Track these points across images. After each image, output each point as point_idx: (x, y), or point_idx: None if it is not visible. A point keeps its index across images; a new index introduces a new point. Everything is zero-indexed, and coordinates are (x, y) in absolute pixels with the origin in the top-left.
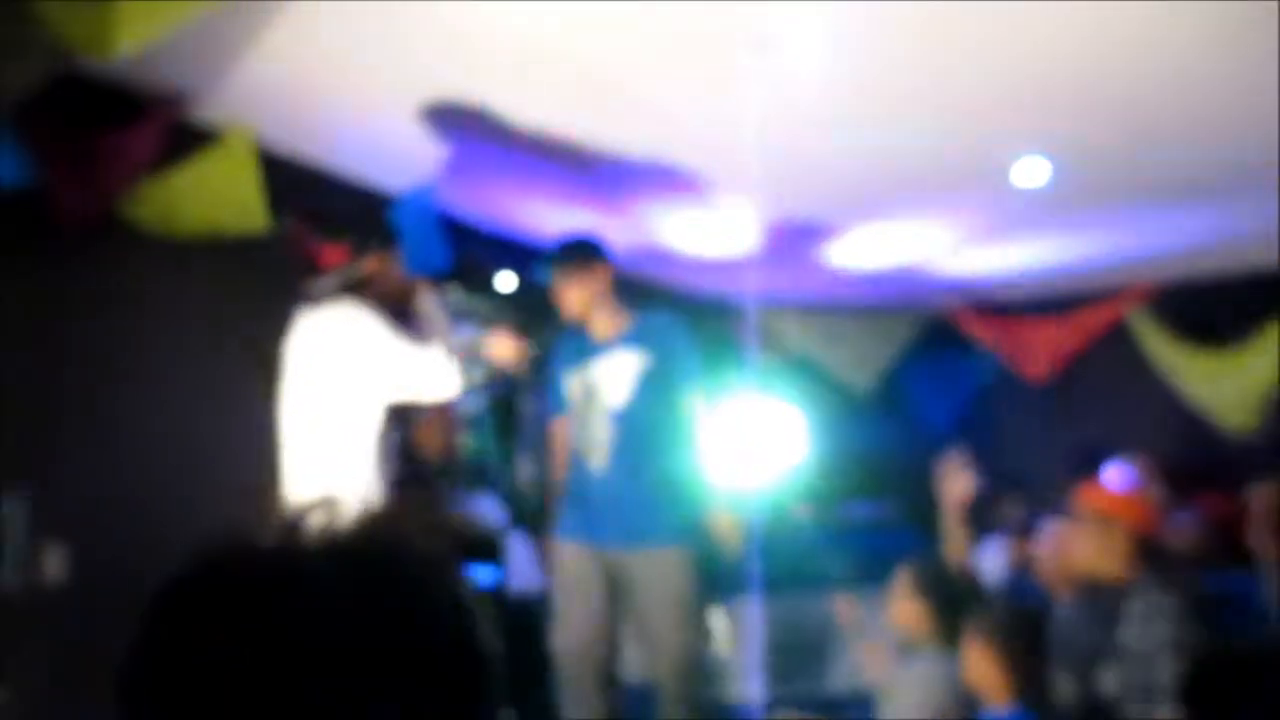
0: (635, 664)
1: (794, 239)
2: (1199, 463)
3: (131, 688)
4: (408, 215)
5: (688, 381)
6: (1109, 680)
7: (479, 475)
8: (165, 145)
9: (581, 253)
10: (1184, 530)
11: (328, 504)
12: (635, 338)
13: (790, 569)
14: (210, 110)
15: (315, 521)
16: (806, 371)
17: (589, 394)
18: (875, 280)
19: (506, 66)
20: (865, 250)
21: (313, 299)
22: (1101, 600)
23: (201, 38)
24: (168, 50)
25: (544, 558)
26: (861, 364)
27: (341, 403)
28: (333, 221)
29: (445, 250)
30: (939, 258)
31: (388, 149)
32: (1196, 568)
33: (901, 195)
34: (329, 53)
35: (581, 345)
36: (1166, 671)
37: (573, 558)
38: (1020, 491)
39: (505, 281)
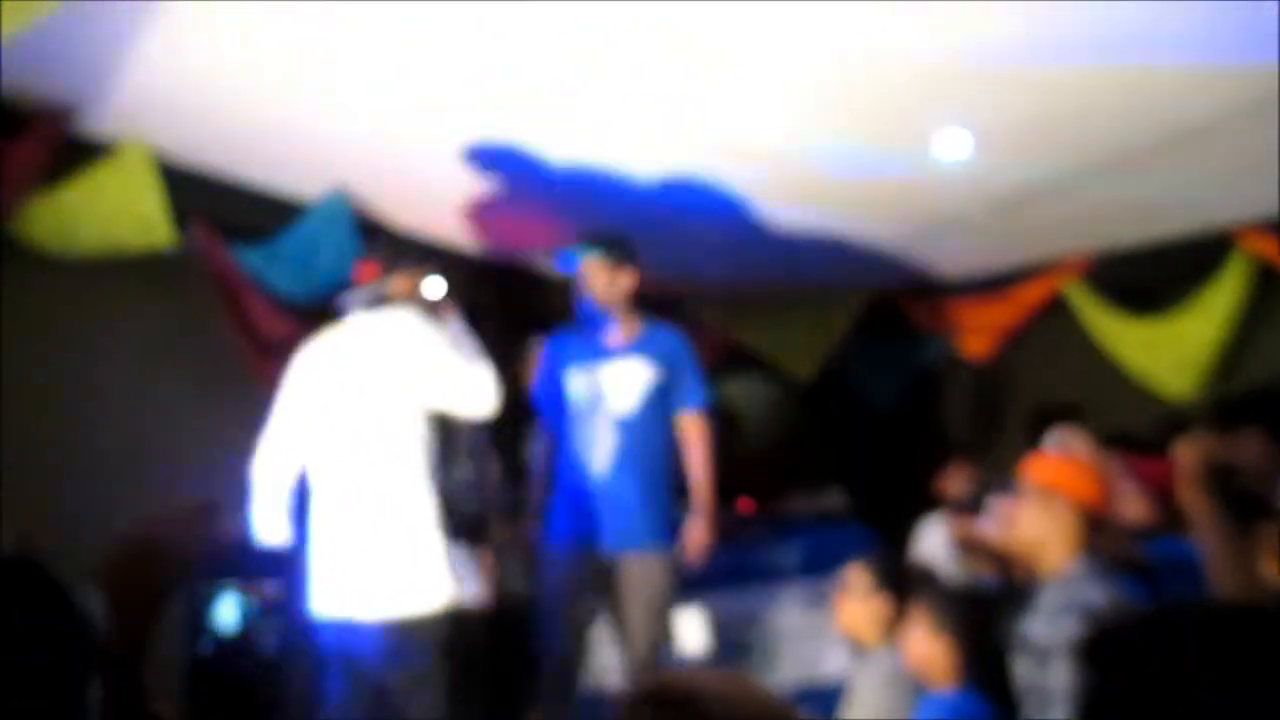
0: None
1: (726, 228)
2: (1144, 432)
3: None
4: (320, 222)
5: (695, 400)
6: (1018, 670)
7: None
8: (58, 161)
9: (621, 249)
10: (1133, 498)
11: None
12: (646, 347)
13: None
14: (106, 123)
15: None
16: (748, 361)
17: (596, 396)
18: (812, 266)
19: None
20: (800, 237)
21: (345, 311)
22: (1020, 585)
23: (90, 47)
24: (54, 62)
25: (483, 567)
26: (804, 351)
27: (390, 407)
28: (243, 232)
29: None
30: (873, 240)
31: (296, 156)
32: (1147, 537)
33: (832, 178)
34: (225, 59)
35: (590, 346)
36: (1064, 674)
37: (566, 559)
38: (965, 470)
39: (433, 287)
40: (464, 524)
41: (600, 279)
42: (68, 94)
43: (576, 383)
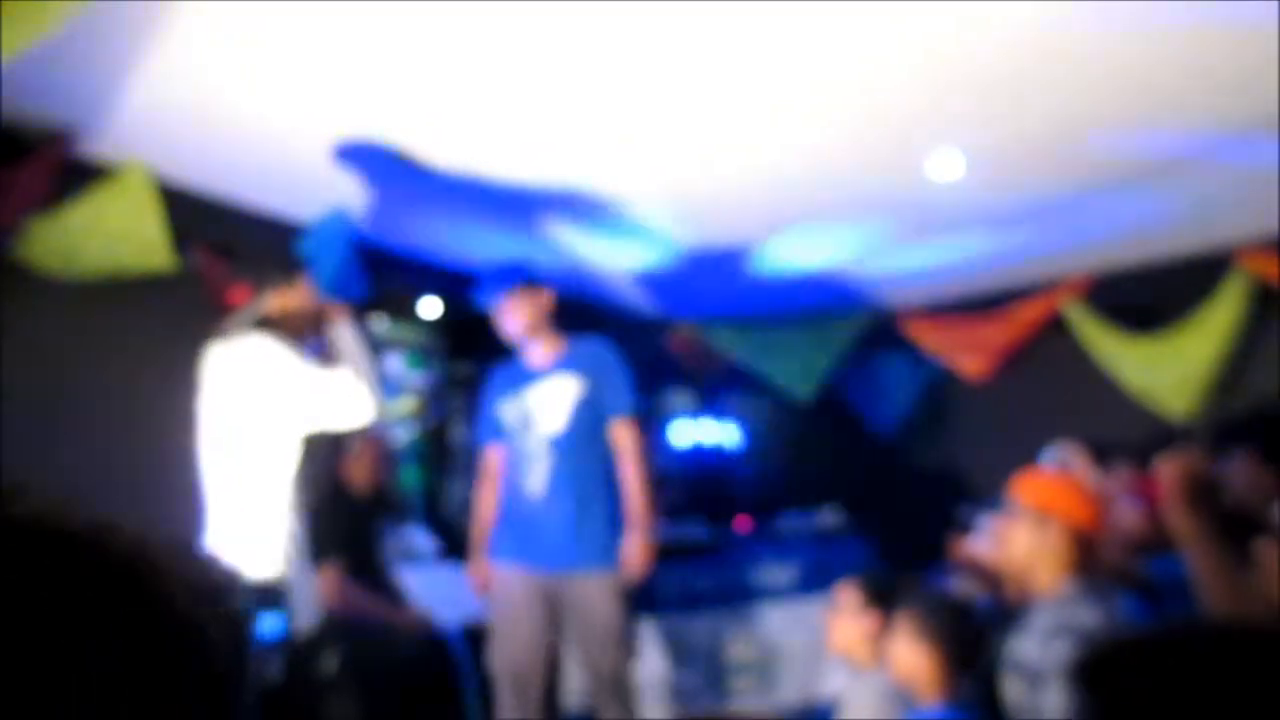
0: (576, 690)
1: (723, 249)
2: (1146, 450)
3: None
4: (319, 243)
5: (622, 406)
6: (1008, 691)
7: (409, 506)
8: (59, 184)
9: (523, 277)
10: (1130, 516)
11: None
12: (571, 363)
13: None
14: (106, 146)
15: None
16: (747, 381)
17: (525, 420)
18: (810, 288)
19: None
20: (797, 258)
21: (222, 337)
22: (1011, 604)
23: (89, 71)
24: (55, 87)
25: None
26: (803, 372)
27: (255, 434)
28: (242, 253)
29: (362, 276)
30: (871, 261)
31: (295, 178)
32: (1148, 553)
33: (828, 200)
34: (224, 81)
35: (516, 373)
36: (1056, 696)
37: (510, 581)
38: (963, 491)
39: (429, 307)
40: (460, 545)
41: (525, 307)
42: (68, 117)
43: (507, 411)
